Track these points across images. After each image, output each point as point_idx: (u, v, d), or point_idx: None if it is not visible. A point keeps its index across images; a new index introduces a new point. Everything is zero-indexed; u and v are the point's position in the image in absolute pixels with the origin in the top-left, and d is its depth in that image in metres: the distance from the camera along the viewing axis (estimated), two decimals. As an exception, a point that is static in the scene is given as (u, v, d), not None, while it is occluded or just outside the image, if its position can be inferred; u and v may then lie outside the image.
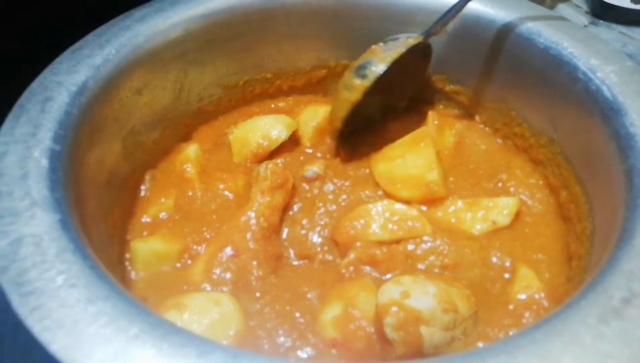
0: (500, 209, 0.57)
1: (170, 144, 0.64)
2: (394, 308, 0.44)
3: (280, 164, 0.60)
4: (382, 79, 0.59)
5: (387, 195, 0.58)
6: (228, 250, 0.52)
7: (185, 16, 0.60)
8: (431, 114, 0.67)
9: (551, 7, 0.82)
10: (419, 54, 0.63)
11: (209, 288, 0.50)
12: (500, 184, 0.61)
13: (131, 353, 0.33)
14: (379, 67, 0.59)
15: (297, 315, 0.49)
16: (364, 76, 0.59)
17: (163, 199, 0.59)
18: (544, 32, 0.58)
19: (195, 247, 0.54)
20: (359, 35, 0.68)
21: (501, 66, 0.62)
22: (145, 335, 0.34)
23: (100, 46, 0.55)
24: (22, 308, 0.35)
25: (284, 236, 0.57)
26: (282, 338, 0.47)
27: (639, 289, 0.37)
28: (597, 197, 0.51)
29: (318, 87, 0.73)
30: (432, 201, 0.57)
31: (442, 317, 0.44)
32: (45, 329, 0.34)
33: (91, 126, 0.51)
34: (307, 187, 0.60)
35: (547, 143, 0.60)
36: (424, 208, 0.57)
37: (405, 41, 0.60)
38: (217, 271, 0.51)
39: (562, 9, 0.82)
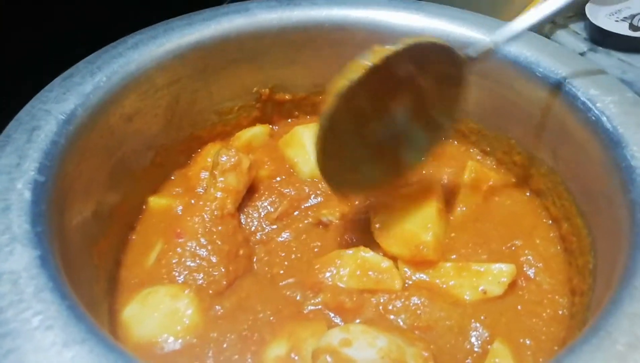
0: (495, 276, 0.51)
1: (162, 172, 0.63)
2: (327, 355, 0.41)
3: (233, 150, 0.58)
4: (402, 83, 0.48)
5: (378, 246, 0.54)
6: (178, 232, 0.53)
7: (178, 43, 0.59)
8: (470, 165, 0.61)
9: (549, 34, 0.81)
10: (447, 63, 0.50)
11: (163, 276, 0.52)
12: (513, 248, 0.55)
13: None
14: (396, 45, 0.47)
15: (245, 327, 0.48)
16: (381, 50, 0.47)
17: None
18: (543, 61, 0.57)
19: None
20: (355, 62, 0.67)
21: (500, 95, 0.61)
22: (122, 382, 0.32)
23: (92, 73, 0.54)
24: (-3, 350, 0.34)
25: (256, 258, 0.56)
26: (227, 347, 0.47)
27: (644, 334, 0.35)
28: (600, 231, 0.49)
29: (314, 113, 0.72)
30: (420, 263, 0.52)
31: None
32: (19, 373, 0.33)
33: (79, 155, 0.49)
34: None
35: (548, 172, 0.59)
36: (408, 271, 0.52)
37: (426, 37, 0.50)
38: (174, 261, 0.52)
39: (561, 35, 0.82)
